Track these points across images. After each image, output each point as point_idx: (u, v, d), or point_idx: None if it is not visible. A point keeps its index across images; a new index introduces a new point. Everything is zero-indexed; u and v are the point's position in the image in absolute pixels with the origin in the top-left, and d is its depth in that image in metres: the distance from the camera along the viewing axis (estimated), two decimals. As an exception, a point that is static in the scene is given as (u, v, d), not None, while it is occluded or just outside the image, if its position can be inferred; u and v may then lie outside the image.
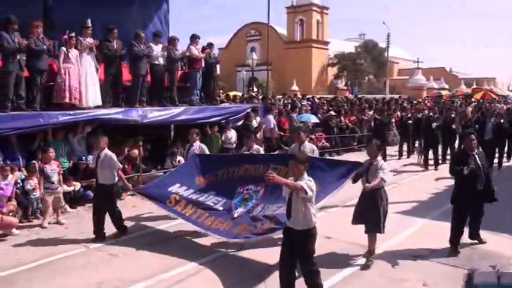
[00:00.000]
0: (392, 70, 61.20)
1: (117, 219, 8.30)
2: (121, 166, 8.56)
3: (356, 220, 7.10)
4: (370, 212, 6.81)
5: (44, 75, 10.47)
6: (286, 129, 15.84)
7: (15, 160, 9.57)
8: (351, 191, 11.12)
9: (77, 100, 10.59)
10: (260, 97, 21.59)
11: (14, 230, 8.34)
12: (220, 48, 53.39)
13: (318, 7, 60.25)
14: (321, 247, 7.38)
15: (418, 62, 52.79)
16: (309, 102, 22.97)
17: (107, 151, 8.22)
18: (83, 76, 10.74)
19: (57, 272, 6.73)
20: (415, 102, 27.90)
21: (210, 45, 14.32)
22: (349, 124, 19.27)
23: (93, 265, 7.00)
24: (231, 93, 25.28)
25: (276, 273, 5.89)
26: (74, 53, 10.64)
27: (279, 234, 6.26)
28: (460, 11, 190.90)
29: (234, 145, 13.48)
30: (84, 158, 10.69)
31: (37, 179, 9.19)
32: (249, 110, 13.66)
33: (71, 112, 10.38)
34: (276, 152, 9.46)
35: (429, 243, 7.68)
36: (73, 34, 10.67)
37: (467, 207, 7.41)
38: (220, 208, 7.70)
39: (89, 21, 11.15)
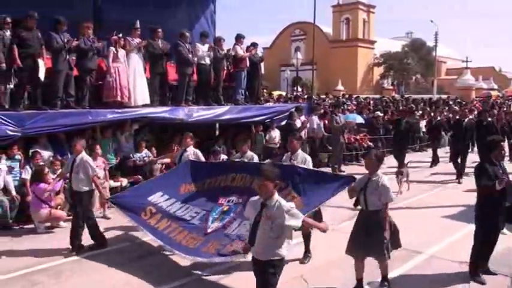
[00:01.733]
0: (440, 69, 59.84)
1: (92, 229, 7.63)
2: (97, 172, 7.88)
3: (353, 249, 5.98)
4: (372, 237, 5.74)
5: (93, 74, 10.78)
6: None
7: (64, 155, 9.91)
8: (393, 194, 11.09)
9: (127, 98, 10.88)
10: (305, 97, 21.55)
11: (62, 223, 8.62)
12: (264, 48, 53.45)
13: (364, 5, 59.49)
14: (364, 249, 7.36)
15: (466, 61, 51.35)
16: (354, 102, 22.75)
17: (83, 155, 7.58)
18: (131, 75, 11.03)
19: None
20: (463, 103, 27.15)
21: (255, 45, 14.38)
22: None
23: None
24: (275, 93, 25.34)
25: None
26: (122, 52, 10.93)
27: (247, 258, 5.20)
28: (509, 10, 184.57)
29: (278, 145, 13.50)
30: (131, 155, 10.94)
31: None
32: (292, 110, 13.62)
33: (119, 110, 10.65)
34: (268, 161, 8.46)
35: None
36: (121, 34, 10.96)
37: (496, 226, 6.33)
38: (197, 222, 7.04)
39: (138, 22, 11.40)
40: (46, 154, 9.64)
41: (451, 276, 6.52)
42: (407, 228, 8.31)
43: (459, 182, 12.80)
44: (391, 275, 6.45)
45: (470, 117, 16.25)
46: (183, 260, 6.67)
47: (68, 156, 9.99)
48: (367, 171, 5.86)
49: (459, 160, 13.23)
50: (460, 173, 13.07)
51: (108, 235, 8.04)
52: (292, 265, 6.74)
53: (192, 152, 8.68)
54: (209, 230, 6.75)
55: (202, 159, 8.82)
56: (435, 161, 15.82)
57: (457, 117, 14.27)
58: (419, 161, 16.02)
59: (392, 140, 15.03)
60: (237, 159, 8.27)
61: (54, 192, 8.77)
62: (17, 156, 9.20)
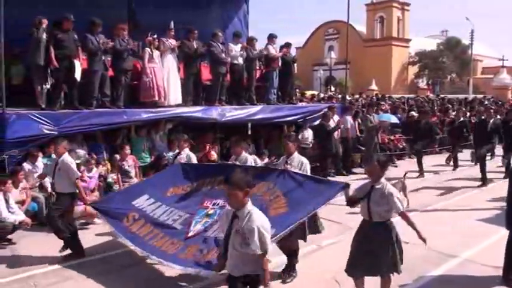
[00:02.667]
0: (475, 68, 58.61)
1: (71, 235, 7.23)
2: (79, 175, 7.51)
3: (356, 268, 5.40)
4: (377, 252, 5.24)
5: (128, 74, 10.94)
6: (361, 129, 15.57)
7: (100, 153, 10.11)
8: (430, 197, 10.91)
9: (162, 98, 11.02)
10: (339, 96, 21.35)
11: (96, 220, 8.73)
12: (297, 48, 53.35)
13: (399, 3, 58.77)
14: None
15: (503, 59, 50.11)
16: (389, 102, 22.46)
17: (66, 157, 7.22)
18: (166, 75, 11.15)
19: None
20: (499, 102, 26.46)
21: (288, 45, 14.34)
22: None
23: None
24: (308, 93, 25.21)
25: None
26: (156, 53, 11.08)
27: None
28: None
29: (310, 144, 13.45)
30: (165, 153, 11.06)
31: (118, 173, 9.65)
32: (326, 110, 13.54)
33: (153, 110, 10.79)
34: (261, 164, 7.93)
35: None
36: (156, 35, 11.09)
37: None
38: (179, 226, 6.70)
39: (172, 23, 11.54)
40: (81, 152, 9.85)
41: (486, 281, 6.36)
42: (440, 232, 8.22)
43: (482, 186, 12.11)
44: (424, 278, 6.34)
45: (498, 117, 15.51)
46: (169, 270, 6.33)
47: (103, 155, 10.23)
48: (369, 179, 5.35)
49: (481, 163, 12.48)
50: (483, 177, 12.30)
51: (94, 242, 7.77)
52: (325, 265, 6.70)
53: (185, 155, 8.56)
54: (190, 234, 6.45)
55: (194, 161, 8.67)
56: (456, 165, 14.97)
57: (482, 117, 13.23)
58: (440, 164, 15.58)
59: (411, 143, 14.77)
60: (230, 162, 7.82)
61: (89, 189, 8.94)
62: (53, 155, 9.41)
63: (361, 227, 5.44)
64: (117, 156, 10.04)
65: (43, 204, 8.73)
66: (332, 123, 13.30)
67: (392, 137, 16.41)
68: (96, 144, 10.47)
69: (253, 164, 7.61)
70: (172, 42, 11.36)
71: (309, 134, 13.49)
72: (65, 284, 6.34)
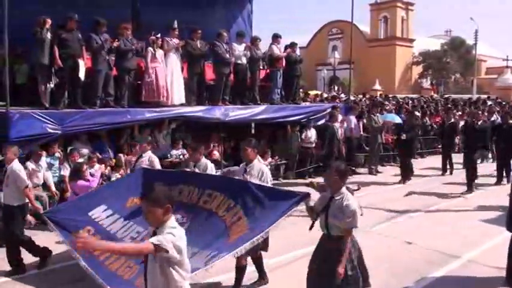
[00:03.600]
0: (479, 69, 58.41)
1: (28, 244, 6.79)
2: (28, 183, 6.81)
3: (310, 283, 5.01)
4: (332, 269, 4.68)
5: (132, 74, 10.94)
6: (366, 128, 15.54)
7: (104, 153, 10.14)
8: (432, 197, 10.90)
9: (165, 97, 11.04)
10: (342, 96, 21.32)
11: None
12: (300, 48, 53.26)
13: (403, 3, 58.60)
14: (400, 252, 7.28)
15: (507, 59, 49.92)
16: (393, 102, 22.41)
17: (15, 164, 6.69)
18: (169, 75, 11.16)
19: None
20: (503, 103, 26.33)
21: (293, 45, 14.32)
22: (435, 125, 18.59)
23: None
24: (312, 93, 25.19)
25: None
26: (160, 52, 11.07)
27: None
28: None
29: (314, 144, 13.46)
30: (168, 154, 11.12)
31: (124, 171, 9.66)
32: (333, 110, 13.50)
33: (157, 109, 10.80)
34: (219, 172, 7.35)
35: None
36: (159, 35, 11.10)
37: None
38: None
39: (176, 22, 11.55)
40: (85, 151, 9.89)
41: (488, 282, 6.36)
42: (443, 232, 8.23)
43: (467, 193, 11.50)
44: (427, 279, 6.33)
45: (494, 118, 15.38)
46: None
47: (108, 154, 10.26)
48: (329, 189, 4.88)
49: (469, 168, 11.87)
50: (470, 182, 11.67)
51: (59, 250, 7.11)
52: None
53: (147, 158, 8.02)
54: None
55: (158, 166, 8.15)
56: (444, 169, 14.25)
57: (473, 119, 12.55)
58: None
59: (398, 147, 14.09)
60: (188, 169, 7.27)
61: (92, 189, 8.94)
62: (57, 154, 9.46)
63: (320, 242, 4.97)
64: (121, 156, 10.06)
65: (47, 203, 8.75)
66: (338, 125, 13.28)
67: (396, 137, 16.34)
68: (101, 144, 10.50)
69: (213, 172, 7.05)
70: (176, 41, 11.37)
71: (312, 133, 13.49)
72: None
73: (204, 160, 7.03)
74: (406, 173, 13.00)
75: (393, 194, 11.35)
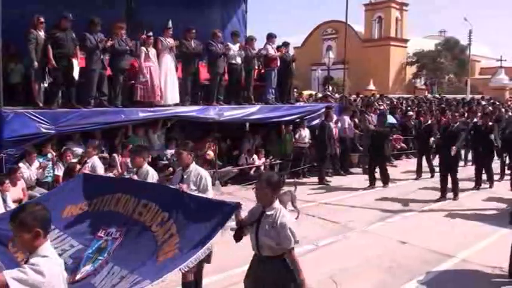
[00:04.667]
0: (473, 69, 58.62)
1: None
2: None
3: None
4: None
5: (126, 73, 10.92)
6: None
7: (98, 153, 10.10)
8: (427, 197, 10.92)
9: (159, 97, 11.03)
10: (336, 96, 21.31)
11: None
12: (295, 47, 53.29)
13: (397, 3, 58.70)
14: (395, 252, 7.30)
15: (500, 60, 50.14)
16: (387, 102, 22.46)
17: None
18: (163, 75, 11.15)
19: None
20: (497, 103, 26.39)
21: (286, 45, 14.34)
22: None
23: None
24: (306, 92, 25.20)
25: None
26: (152, 52, 11.06)
27: None
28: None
29: (307, 144, 13.48)
30: (165, 153, 11.17)
31: (118, 172, 9.62)
32: (328, 110, 13.50)
33: (151, 109, 10.79)
34: (156, 179, 6.48)
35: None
36: (151, 33, 11.08)
37: None
38: (69, 261, 5.17)
39: (170, 22, 11.52)
40: (79, 151, 9.85)
41: (483, 281, 6.38)
42: (437, 232, 8.25)
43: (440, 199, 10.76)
44: (421, 278, 6.34)
45: (475, 120, 14.35)
46: None
47: (102, 154, 10.21)
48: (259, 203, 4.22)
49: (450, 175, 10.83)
50: (454, 191, 10.85)
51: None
52: (322, 265, 6.71)
53: (91, 164, 7.64)
54: (78, 276, 5.02)
55: (100, 173, 7.70)
56: (419, 173, 13.47)
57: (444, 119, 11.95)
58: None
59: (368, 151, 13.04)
60: (128, 176, 6.79)
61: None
62: (49, 155, 9.40)
63: (252, 263, 4.34)
64: (115, 156, 10.03)
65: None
66: (332, 123, 13.29)
67: (390, 137, 16.38)
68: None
69: (154, 179, 6.47)
70: (171, 41, 11.35)
71: (306, 133, 13.50)
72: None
73: (146, 166, 6.44)
74: (384, 178, 12.24)
75: (388, 194, 11.36)
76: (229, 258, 6.51)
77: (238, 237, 4.31)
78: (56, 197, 6.16)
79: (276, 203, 4.13)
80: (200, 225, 4.69)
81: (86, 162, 7.69)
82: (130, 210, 5.32)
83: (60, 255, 4.60)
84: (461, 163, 13.06)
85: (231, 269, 6.42)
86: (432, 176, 13.18)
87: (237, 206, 4.43)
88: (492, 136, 11.81)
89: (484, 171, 12.07)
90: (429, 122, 14.18)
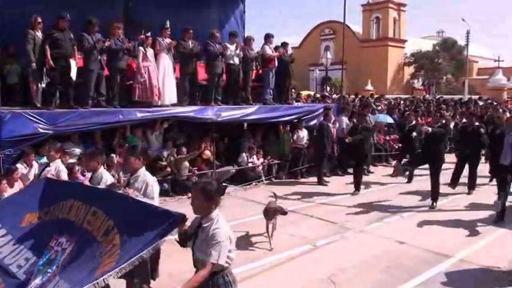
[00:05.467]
0: (471, 69, 58.71)
1: None
2: None
3: None
4: None
5: (123, 74, 10.92)
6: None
7: (96, 153, 10.08)
8: (424, 198, 10.92)
9: (157, 98, 11.03)
10: (334, 96, 21.34)
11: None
12: (293, 48, 53.27)
13: (395, 4, 58.85)
14: (393, 252, 7.30)
15: (498, 60, 50.24)
16: (385, 102, 22.47)
17: None
18: (161, 75, 11.15)
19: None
20: (494, 103, 26.41)
21: (284, 45, 14.34)
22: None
23: None
24: (303, 93, 25.22)
25: None
26: (150, 52, 11.05)
27: None
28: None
29: (306, 145, 13.47)
30: (163, 153, 11.16)
31: (115, 172, 9.62)
32: (327, 110, 13.50)
33: (149, 109, 10.78)
34: (109, 184, 6.06)
35: (508, 254, 7.29)
36: (149, 34, 11.08)
37: None
38: (22, 277, 4.90)
39: (168, 22, 11.52)
40: (77, 151, 9.84)
41: (481, 281, 6.39)
42: (435, 232, 8.26)
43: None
44: (419, 278, 6.35)
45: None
46: None
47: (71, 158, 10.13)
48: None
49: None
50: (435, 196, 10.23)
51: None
52: (320, 265, 6.72)
53: (54, 168, 7.16)
54: None
55: (64, 177, 7.28)
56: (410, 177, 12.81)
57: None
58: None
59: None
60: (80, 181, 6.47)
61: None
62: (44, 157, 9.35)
63: None
64: (113, 156, 10.02)
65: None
66: (331, 124, 13.28)
67: (388, 137, 16.40)
68: (94, 144, 10.42)
69: (109, 183, 6.13)
70: (168, 41, 11.35)
71: (304, 134, 13.50)
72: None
73: (101, 171, 6.11)
74: (357, 182, 11.68)
75: (385, 194, 11.37)
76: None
77: (183, 243, 3.98)
78: (16, 203, 5.73)
79: (214, 213, 3.74)
80: (142, 236, 4.41)
81: (49, 166, 7.17)
82: (81, 218, 4.98)
83: (16, 272, 4.80)
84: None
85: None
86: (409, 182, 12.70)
87: (181, 218, 4.09)
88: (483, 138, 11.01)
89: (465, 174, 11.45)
90: (413, 122, 13.57)
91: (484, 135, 10.99)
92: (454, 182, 11.34)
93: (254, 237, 7.90)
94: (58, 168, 7.14)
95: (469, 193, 11.36)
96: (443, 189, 10.99)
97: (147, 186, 5.27)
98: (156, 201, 5.20)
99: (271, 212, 7.46)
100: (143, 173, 5.38)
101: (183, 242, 3.94)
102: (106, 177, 6.03)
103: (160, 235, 4.19)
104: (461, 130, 12.11)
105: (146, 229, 4.38)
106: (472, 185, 11.46)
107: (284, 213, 7.47)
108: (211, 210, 3.72)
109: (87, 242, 4.62)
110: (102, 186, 5.83)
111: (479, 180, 11.81)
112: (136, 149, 5.56)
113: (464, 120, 14.05)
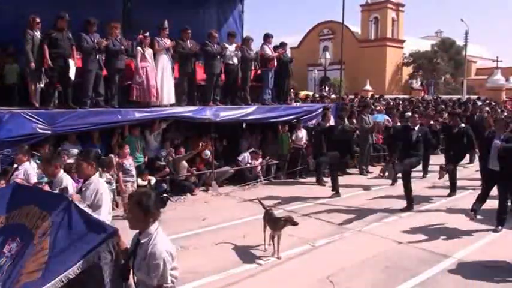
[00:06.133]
0: (470, 69, 58.77)
1: None
2: None
3: None
4: None
5: (122, 74, 10.91)
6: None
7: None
8: (423, 197, 10.94)
9: (155, 98, 11.02)
10: (332, 96, 21.32)
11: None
12: (292, 48, 53.30)
13: (394, 4, 58.79)
14: (391, 252, 7.30)
15: (497, 60, 50.28)
16: (383, 102, 22.48)
17: None
18: (159, 75, 11.14)
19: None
20: (493, 104, 26.41)
21: (283, 45, 14.35)
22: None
23: None
24: (302, 93, 25.22)
25: None
26: (149, 52, 11.05)
27: None
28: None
29: (304, 145, 13.47)
30: (162, 153, 11.21)
31: (113, 172, 9.61)
32: (325, 111, 13.49)
33: (147, 109, 10.77)
34: (61, 188, 5.64)
35: (509, 253, 7.29)
36: (147, 34, 11.07)
37: None
38: None
39: (166, 22, 11.51)
40: (75, 151, 9.81)
41: (480, 281, 6.37)
42: (434, 232, 8.25)
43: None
44: (418, 278, 6.35)
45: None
46: None
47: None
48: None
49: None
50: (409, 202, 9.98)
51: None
52: (319, 265, 6.71)
53: (23, 171, 7.05)
54: None
55: (33, 181, 7.14)
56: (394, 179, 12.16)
57: (408, 123, 10.54)
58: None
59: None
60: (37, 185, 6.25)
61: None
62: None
63: None
64: (112, 156, 10.00)
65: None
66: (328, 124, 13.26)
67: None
68: (92, 144, 10.41)
69: (70, 188, 5.78)
70: (167, 41, 11.34)
71: (302, 134, 13.51)
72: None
73: (61, 175, 5.77)
74: (334, 185, 11.29)
75: (384, 194, 11.37)
76: (226, 259, 6.52)
77: (124, 274, 3.61)
78: None
79: (152, 228, 3.42)
80: (76, 242, 4.24)
81: (17, 169, 6.97)
82: (33, 223, 4.80)
83: None
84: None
85: (228, 270, 6.44)
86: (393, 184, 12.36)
87: (113, 233, 3.87)
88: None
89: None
90: (398, 123, 13.72)
91: (471, 137, 10.75)
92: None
93: (253, 237, 7.89)
94: (27, 172, 7.02)
95: (449, 195, 11.14)
96: (443, 190, 11.02)
97: (97, 194, 4.98)
98: (103, 211, 4.92)
99: (281, 223, 6.99)
100: (96, 181, 5.09)
101: (124, 266, 3.59)
102: (66, 182, 5.69)
103: (91, 250, 4.02)
104: (445, 130, 11.89)
105: (81, 241, 4.20)
106: (453, 188, 11.29)
107: (295, 223, 7.05)
108: (148, 225, 3.41)
109: (30, 246, 4.46)
110: (97, 196, 5.36)
111: (478, 182, 11.71)
112: (90, 155, 5.23)
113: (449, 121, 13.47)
